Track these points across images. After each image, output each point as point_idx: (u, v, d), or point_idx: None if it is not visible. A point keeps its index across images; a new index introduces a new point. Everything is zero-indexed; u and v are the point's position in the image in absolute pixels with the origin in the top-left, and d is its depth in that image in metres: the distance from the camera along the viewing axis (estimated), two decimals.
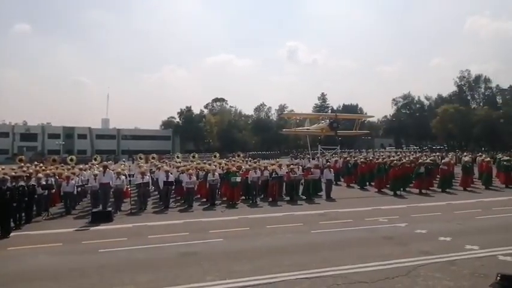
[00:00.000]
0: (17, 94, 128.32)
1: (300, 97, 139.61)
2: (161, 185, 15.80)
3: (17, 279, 7.26)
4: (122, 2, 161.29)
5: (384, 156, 26.55)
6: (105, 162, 19.23)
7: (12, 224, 11.25)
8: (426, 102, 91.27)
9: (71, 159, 22.85)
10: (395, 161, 20.12)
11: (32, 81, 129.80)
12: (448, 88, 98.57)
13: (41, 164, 21.35)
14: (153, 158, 24.48)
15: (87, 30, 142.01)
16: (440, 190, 19.18)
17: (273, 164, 19.42)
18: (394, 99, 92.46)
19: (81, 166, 20.18)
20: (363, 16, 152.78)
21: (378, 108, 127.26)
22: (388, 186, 19.39)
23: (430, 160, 22.26)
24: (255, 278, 6.97)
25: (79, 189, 15.43)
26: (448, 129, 72.59)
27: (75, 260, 8.46)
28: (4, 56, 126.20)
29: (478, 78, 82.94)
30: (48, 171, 16.01)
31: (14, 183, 11.47)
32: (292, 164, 20.33)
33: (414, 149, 61.79)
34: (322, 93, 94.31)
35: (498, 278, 3.17)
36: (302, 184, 17.97)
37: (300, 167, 20.01)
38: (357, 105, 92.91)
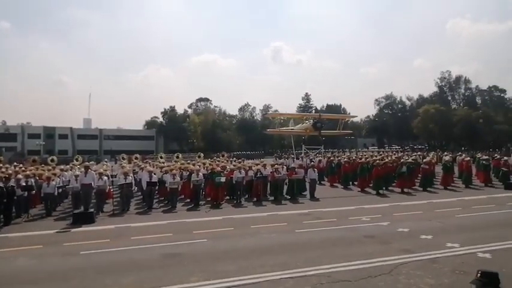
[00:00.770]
0: None
1: (284, 97, 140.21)
2: (144, 185, 15.64)
3: None
4: (106, 0, 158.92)
5: (366, 156, 26.82)
6: (87, 163, 18.96)
7: None
8: (408, 103, 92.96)
9: (52, 160, 22.35)
10: (378, 161, 20.38)
11: (11, 80, 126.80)
12: (429, 89, 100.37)
13: (21, 165, 20.85)
14: (136, 158, 24.21)
15: (69, 28, 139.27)
16: (421, 189, 19.54)
17: (257, 164, 19.44)
18: (376, 100, 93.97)
19: (62, 167, 19.76)
20: (347, 18, 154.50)
21: (361, 108, 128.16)
22: (371, 185, 19.63)
23: (412, 159, 22.62)
24: (239, 278, 6.97)
25: (60, 190, 15.18)
26: (429, 129, 73.93)
27: (56, 262, 8.32)
28: None
29: (458, 79, 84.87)
30: (28, 172, 15.67)
31: None
32: (277, 164, 20.39)
33: (396, 148, 62.63)
34: (306, 93, 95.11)
35: (479, 275, 3.23)
36: (286, 184, 18.05)
37: (284, 166, 20.08)
38: (340, 105, 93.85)
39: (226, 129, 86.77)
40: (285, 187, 18.00)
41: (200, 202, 16.02)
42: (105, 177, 15.06)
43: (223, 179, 15.98)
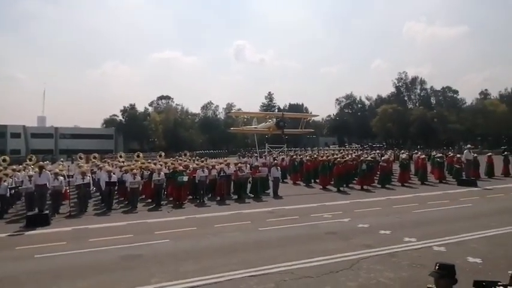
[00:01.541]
0: None
1: (247, 96, 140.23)
2: (103, 185, 15.14)
3: None
4: None
5: (328, 154, 27.37)
6: (42, 163, 18.12)
7: None
8: (367, 102, 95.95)
9: (4, 160, 21.24)
10: (338, 159, 20.81)
11: None
12: (387, 89, 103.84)
13: None
14: (94, 157, 23.50)
15: (19, 21, 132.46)
16: (380, 186, 20.14)
17: (220, 163, 19.30)
18: (337, 99, 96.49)
19: (14, 167, 18.82)
20: (308, 18, 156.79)
21: (323, 107, 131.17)
22: (332, 183, 20.02)
23: (371, 158, 23.30)
24: (202, 278, 6.88)
25: (12, 191, 14.51)
26: (387, 128, 76.72)
27: (8, 267, 7.87)
28: None
29: (414, 80, 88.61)
30: None
31: None
32: (240, 163, 20.37)
33: (356, 147, 64.38)
34: (269, 92, 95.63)
35: (437, 267, 3.34)
36: (250, 182, 18.08)
37: (248, 165, 20.10)
38: (303, 104, 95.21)
39: (189, 128, 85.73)
40: (249, 186, 18.03)
41: (162, 202, 15.73)
42: (61, 178, 14.54)
43: (185, 178, 15.75)
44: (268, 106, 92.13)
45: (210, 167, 17.46)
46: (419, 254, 8.11)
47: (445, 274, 3.30)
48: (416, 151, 36.32)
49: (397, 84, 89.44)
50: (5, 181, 14.06)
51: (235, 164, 19.02)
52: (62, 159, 28.92)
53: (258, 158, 27.70)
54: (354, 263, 7.54)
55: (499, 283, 3.17)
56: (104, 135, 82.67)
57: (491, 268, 7.14)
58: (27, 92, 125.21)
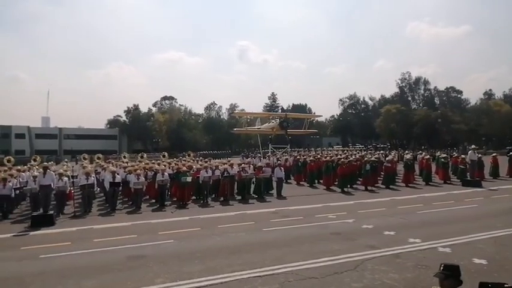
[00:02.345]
0: None
1: (251, 96, 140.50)
2: (107, 186, 15.16)
3: None
4: None
5: (331, 155, 27.32)
6: (46, 163, 18.22)
7: None
8: (370, 103, 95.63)
9: (8, 160, 21.31)
10: (342, 159, 20.76)
11: None
12: (390, 89, 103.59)
13: None
14: (98, 158, 23.51)
15: (23, 22, 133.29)
16: (384, 187, 20.06)
17: (224, 163, 19.33)
18: (341, 100, 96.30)
19: (19, 167, 18.93)
20: (312, 19, 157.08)
21: (326, 108, 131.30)
22: (336, 183, 19.98)
23: (375, 158, 23.24)
24: (206, 278, 6.87)
25: (17, 192, 14.57)
26: (390, 128, 76.46)
27: (13, 267, 7.90)
28: None
29: (418, 80, 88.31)
30: None
31: None
32: (244, 163, 20.37)
33: (360, 147, 64.28)
34: (273, 93, 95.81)
35: (442, 267, 3.34)
36: (253, 183, 18.06)
37: (251, 165, 20.09)
38: (306, 105, 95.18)
39: (192, 129, 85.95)
40: (252, 186, 18.02)
41: (166, 202, 15.76)
42: (66, 178, 14.61)
43: (189, 179, 15.76)
44: (272, 107, 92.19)
45: (214, 168, 17.47)
46: (424, 255, 8.07)
47: (450, 275, 3.29)
48: (420, 152, 36.22)
49: (401, 85, 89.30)
50: (9, 181, 14.11)
51: (239, 165, 19.01)
52: (66, 159, 28.98)
53: (262, 158, 27.72)
54: (358, 263, 7.52)
55: (505, 285, 3.15)
56: (108, 135, 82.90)
57: (497, 269, 7.10)
58: (31, 92, 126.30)
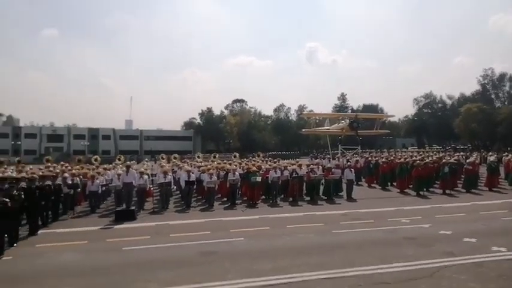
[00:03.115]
0: (44, 96, 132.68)
1: (320, 98, 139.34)
2: (183, 184, 15.94)
3: (44, 275, 7.49)
4: (144, 5, 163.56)
5: (406, 156, 26.11)
6: (128, 162, 19.50)
7: (40, 222, 11.57)
8: (448, 102, 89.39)
9: (96, 159, 23.28)
10: (418, 161, 19.76)
11: (58, 83, 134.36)
12: (471, 87, 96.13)
13: (67, 164, 21.84)
14: (174, 158, 24.72)
15: (110, 33, 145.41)
16: (464, 190, 18.77)
17: (293, 164, 19.36)
18: (415, 99, 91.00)
19: (105, 166, 20.53)
20: (382, 16, 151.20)
21: (399, 107, 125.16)
22: (411, 186, 19.07)
23: (454, 160, 21.79)
24: (275, 277, 6.97)
25: (103, 188, 15.72)
26: (471, 128, 70.79)
27: (100, 257, 8.65)
28: (33, 59, 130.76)
29: (502, 76, 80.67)
30: (73, 171, 16.35)
31: (41, 183, 11.77)
32: (312, 164, 20.23)
33: (437, 148, 60.44)
34: (342, 93, 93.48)
35: None
36: (322, 184, 17.86)
37: (320, 167, 19.89)
38: (378, 105, 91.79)
39: (262, 130, 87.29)
40: (321, 187, 17.83)
41: (236, 201, 16.17)
42: (146, 176, 15.46)
43: (259, 179, 16.03)
44: (341, 107, 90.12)
45: (283, 168, 17.56)
46: (510, 265, 7.45)
47: None
48: (506, 153, 33.16)
49: (483, 82, 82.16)
50: (97, 179, 15.39)
51: (308, 166, 18.92)
52: (146, 159, 30.84)
53: (331, 159, 27.28)
54: (434, 271, 7.15)
55: None
56: (184, 137, 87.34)
57: None
58: (116, 97, 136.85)
